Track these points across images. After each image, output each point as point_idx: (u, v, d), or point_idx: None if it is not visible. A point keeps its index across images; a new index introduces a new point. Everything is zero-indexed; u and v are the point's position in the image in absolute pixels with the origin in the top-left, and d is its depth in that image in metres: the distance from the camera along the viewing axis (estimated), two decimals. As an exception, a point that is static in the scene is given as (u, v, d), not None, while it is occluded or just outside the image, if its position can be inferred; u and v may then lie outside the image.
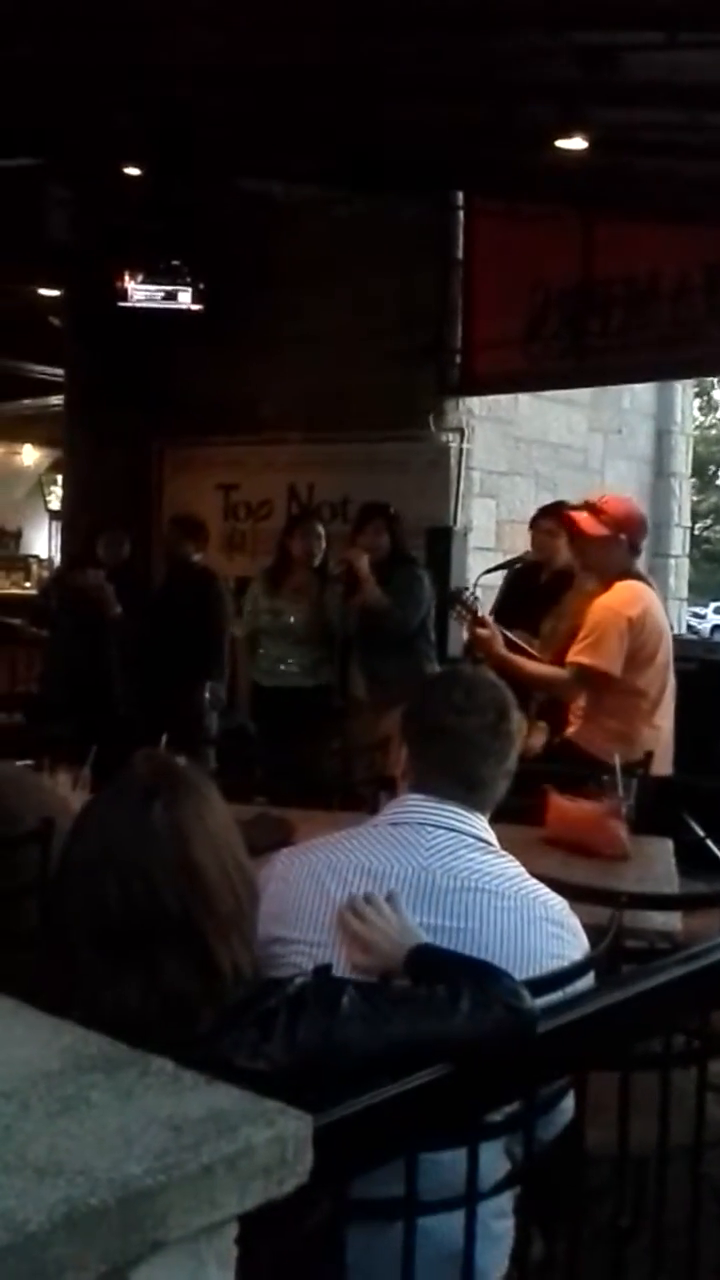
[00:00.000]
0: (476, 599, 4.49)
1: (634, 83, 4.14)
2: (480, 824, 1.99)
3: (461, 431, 7.14)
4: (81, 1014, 1.22)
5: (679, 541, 9.37)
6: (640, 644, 3.98)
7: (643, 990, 1.65)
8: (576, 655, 3.99)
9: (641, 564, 7.25)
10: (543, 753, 4.26)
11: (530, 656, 4.28)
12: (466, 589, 4.88)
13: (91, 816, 1.56)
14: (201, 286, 7.14)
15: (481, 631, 4.18)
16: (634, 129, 4.69)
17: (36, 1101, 0.96)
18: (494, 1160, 1.75)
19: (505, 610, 5.11)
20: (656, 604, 4.17)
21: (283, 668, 5.85)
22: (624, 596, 4.02)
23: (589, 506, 4.22)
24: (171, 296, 7.17)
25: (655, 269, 6.38)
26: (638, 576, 4.20)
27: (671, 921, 2.68)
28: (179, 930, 1.45)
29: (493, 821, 2.15)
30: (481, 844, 1.96)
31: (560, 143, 4.52)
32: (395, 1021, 1.45)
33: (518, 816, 3.20)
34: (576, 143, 4.51)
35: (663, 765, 4.06)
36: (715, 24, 3.61)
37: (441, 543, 6.83)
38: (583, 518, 4.17)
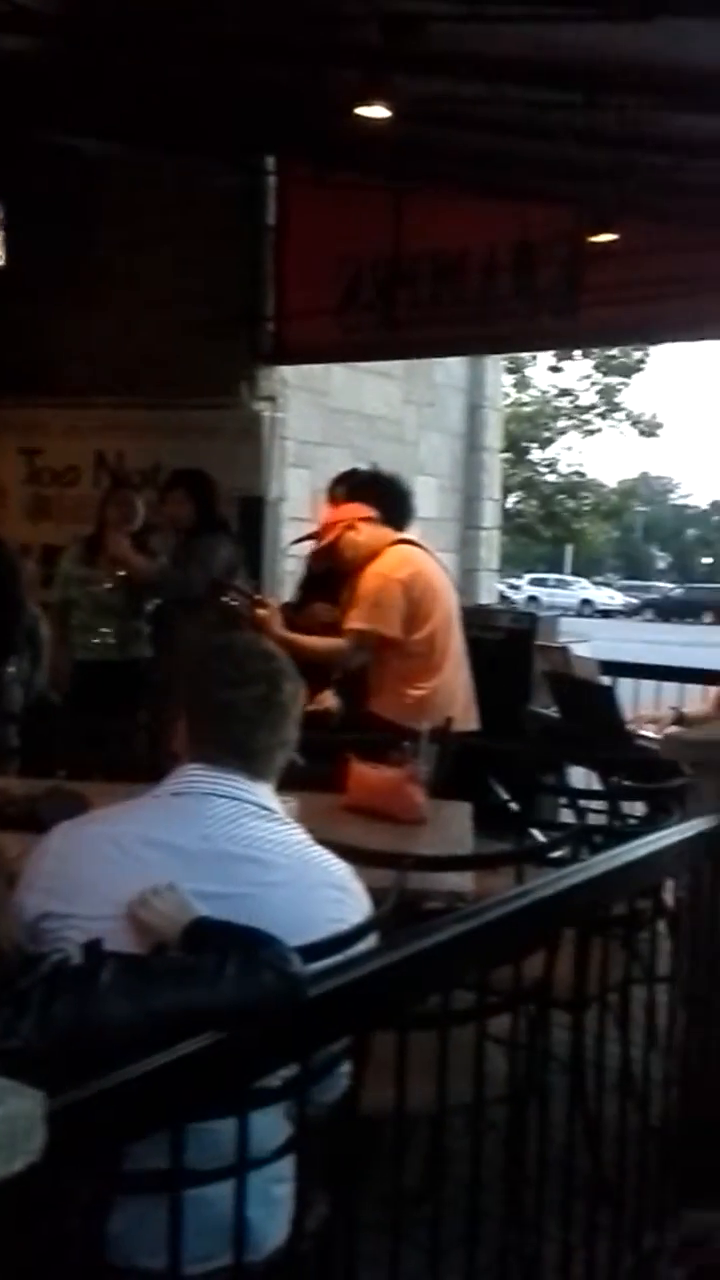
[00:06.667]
0: (246, 583, 4.60)
1: (436, 53, 4.13)
2: (263, 792, 1.98)
3: (274, 400, 7.09)
4: None
5: (490, 514, 9.55)
6: (415, 603, 4.14)
7: (417, 950, 1.66)
8: (350, 622, 4.15)
9: (453, 533, 7.32)
10: (341, 720, 4.29)
11: (328, 627, 4.34)
12: (227, 581, 4.93)
13: None
14: (2, 238, 6.85)
15: (260, 612, 4.26)
16: (436, 100, 4.69)
17: None
18: (273, 1126, 1.74)
19: (312, 581, 5.10)
20: (429, 563, 4.33)
21: (95, 640, 5.74)
22: (391, 561, 4.21)
23: (316, 537, 4.52)
24: (-32, 248, 6.88)
25: (464, 245, 6.42)
26: (407, 541, 4.35)
27: (464, 882, 2.73)
28: None
29: (295, 789, 2.12)
30: (264, 811, 1.94)
31: (361, 110, 4.47)
32: (159, 993, 1.42)
33: (321, 784, 3.23)
34: (378, 111, 4.47)
35: (467, 720, 4.17)
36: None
37: (254, 512, 6.78)
38: (332, 543, 4.34)
